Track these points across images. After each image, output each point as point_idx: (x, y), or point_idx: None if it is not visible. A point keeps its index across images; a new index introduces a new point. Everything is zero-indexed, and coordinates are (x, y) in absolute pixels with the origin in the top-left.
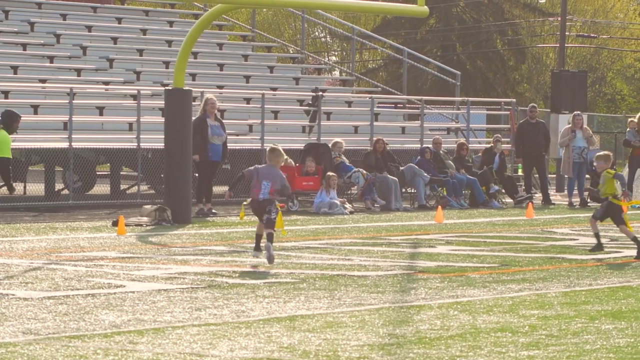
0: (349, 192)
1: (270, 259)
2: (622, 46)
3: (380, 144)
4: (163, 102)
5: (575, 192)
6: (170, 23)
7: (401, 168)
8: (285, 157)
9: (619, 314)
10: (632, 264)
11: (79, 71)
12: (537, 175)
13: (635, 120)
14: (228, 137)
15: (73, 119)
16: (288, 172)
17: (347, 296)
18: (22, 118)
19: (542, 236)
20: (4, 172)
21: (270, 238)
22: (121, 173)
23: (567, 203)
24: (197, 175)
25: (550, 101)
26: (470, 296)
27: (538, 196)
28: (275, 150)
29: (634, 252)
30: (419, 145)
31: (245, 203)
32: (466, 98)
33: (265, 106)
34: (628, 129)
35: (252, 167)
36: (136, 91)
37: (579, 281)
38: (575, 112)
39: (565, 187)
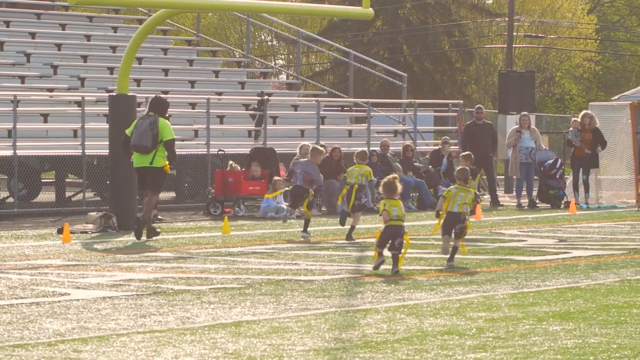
0: None
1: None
2: (571, 46)
3: (337, 152)
4: (108, 109)
5: (524, 193)
6: (115, 29)
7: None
8: (323, 153)
9: (567, 315)
10: (579, 265)
11: (22, 78)
12: (485, 177)
13: (578, 119)
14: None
15: (17, 126)
16: (234, 176)
17: (293, 301)
18: None
19: (490, 238)
20: None
21: (306, 222)
22: (66, 180)
23: (515, 204)
24: None
25: (498, 102)
26: (417, 299)
27: (486, 198)
28: (316, 150)
29: (583, 253)
30: (367, 149)
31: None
32: (413, 100)
33: (211, 111)
34: (571, 128)
35: (294, 163)
36: (80, 97)
37: (527, 282)
38: (522, 113)
39: (514, 188)
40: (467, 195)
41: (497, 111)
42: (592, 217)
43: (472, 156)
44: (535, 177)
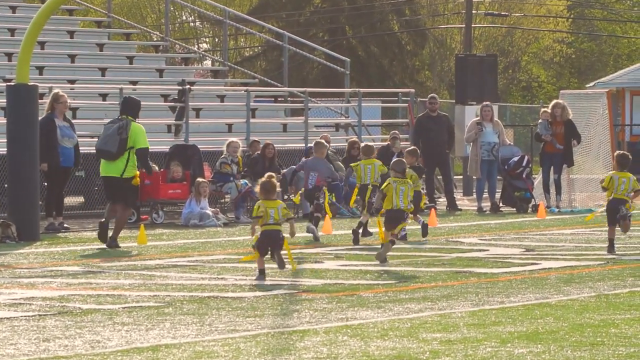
0: (223, 200)
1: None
2: (539, 25)
3: (270, 149)
4: (5, 101)
5: (485, 195)
6: (13, 8)
7: (282, 171)
8: (328, 147)
9: (535, 336)
10: (549, 278)
11: None
12: (440, 177)
13: (549, 110)
14: (81, 139)
15: None
16: (151, 178)
17: (219, 321)
18: None
19: (447, 247)
20: None
21: (316, 221)
22: None
23: (475, 208)
24: (46, 184)
25: (455, 91)
26: (362, 318)
27: (442, 201)
28: (319, 144)
29: (554, 264)
30: (304, 145)
31: (301, 192)
32: (358, 89)
33: None
34: (540, 120)
35: (300, 162)
36: None
37: (489, 298)
38: (484, 103)
39: (474, 190)
40: (408, 187)
41: (454, 101)
42: (564, 223)
43: (418, 152)
44: (498, 176)
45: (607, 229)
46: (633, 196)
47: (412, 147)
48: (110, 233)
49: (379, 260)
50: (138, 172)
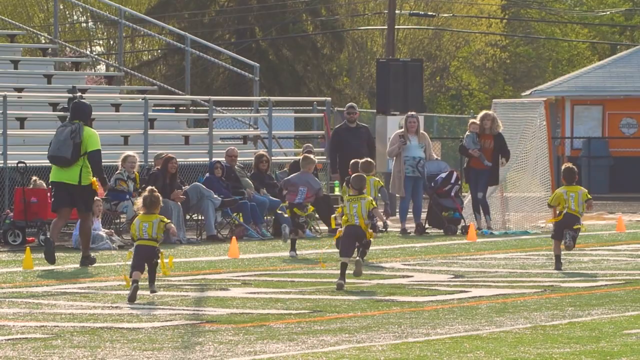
0: (118, 221)
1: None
2: (469, 27)
3: (174, 163)
4: None
5: (410, 215)
6: None
7: (184, 188)
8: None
9: None
10: (480, 307)
11: None
12: None
13: (477, 121)
14: None
15: None
16: (38, 196)
17: (113, 355)
18: None
19: (367, 273)
20: None
21: (292, 243)
22: None
23: (399, 230)
24: None
25: (376, 99)
26: (272, 352)
27: None
28: (308, 158)
29: (486, 292)
30: (208, 159)
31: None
32: (268, 97)
33: (8, 112)
34: (467, 133)
35: (286, 178)
36: None
37: (413, 330)
38: (409, 113)
39: (397, 210)
40: (361, 203)
41: (375, 111)
42: (496, 246)
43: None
44: (424, 195)
45: (544, 251)
46: (587, 207)
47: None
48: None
49: (356, 276)
50: (94, 179)
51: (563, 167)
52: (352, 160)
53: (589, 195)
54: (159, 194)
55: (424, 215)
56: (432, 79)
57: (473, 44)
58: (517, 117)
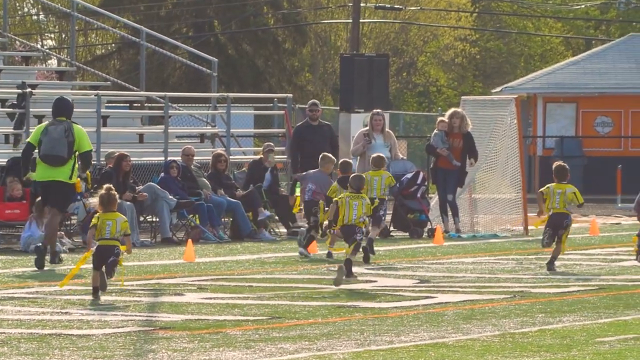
0: (68, 222)
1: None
2: (438, 21)
3: (127, 161)
4: None
5: None
6: None
7: (138, 189)
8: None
9: None
10: (447, 314)
11: None
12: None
13: (445, 119)
14: None
15: None
16: None
17: None
18: None
19: (329, 277)
20: None
21: (309, 240)
22: None
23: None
24: None
25: (339, 96)
26: None
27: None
28: (326, 157)
29: (452, 298)
30: (163, 158)
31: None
32: (227, 94)
33: None
34: (435, 131)
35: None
36: None
37: (377, 337)
38: (374, 111)
39: None
40: (362, 202)
41: (338, 108)
42: (464, 250)
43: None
44: (389, 196)
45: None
46: (574, 211)
47: (344, 160)
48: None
49: (335, 285)
50: (78, 179)
51: (554, 165)
52: (374, 155)
53: (580, 200)
54: (116, 192)
55: (388, 218)
56: (398, 75)
57: (441, 38)
58: (486, 115)
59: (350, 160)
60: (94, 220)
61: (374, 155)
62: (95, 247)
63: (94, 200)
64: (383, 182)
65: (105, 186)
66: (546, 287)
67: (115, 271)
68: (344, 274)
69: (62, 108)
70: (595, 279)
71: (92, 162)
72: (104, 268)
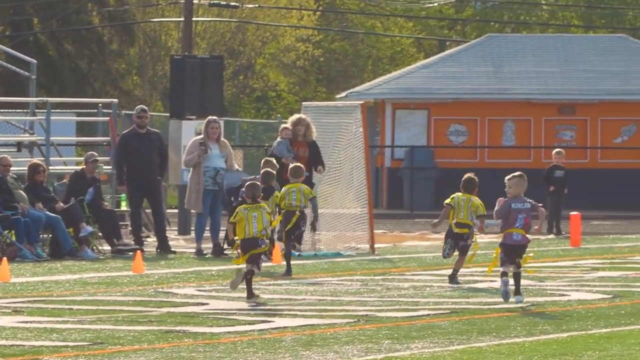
0: None
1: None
2: (278, 20)
3: None
4: None
5: (207, 234)
6: None
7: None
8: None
9: None
10: (284, 340)
11: None
12: (148, 211)
13: (289, 125)
14: None
15: None
16: None
17: None
18: None
19: (156, 300)
20: None
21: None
22: None
23: (194, 250)
24: None
25: (169, 101)
26: None
27: (151, 240)
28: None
29: (291, 322)
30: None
31: None
32: (46, 99)
33: None
34: (279, 139)
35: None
36: None
37: None
38: (210, 118)
39: (192, 228)
40: (261, 212)
41: (168, 115)
42: (304, 270)
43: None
44: (223, 211)
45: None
46: (478, 225)
47: (296, 165)
48: None
49: (231, 288)
50: None
51: (464, 176)
52: (292, 166)
53: (483, 210)
54: None
55: (222, 235)
56: (234, 79)
57: (282, 39)
58: (330, 122)
59: (291, 165)
60: None
61: (292, 165)
62: None
63: None
64: (302, 194)
65: None
66: (393, 310)
67: None
68: (241, 277)
69: None
70: (447, 302)
71: None
72: None
